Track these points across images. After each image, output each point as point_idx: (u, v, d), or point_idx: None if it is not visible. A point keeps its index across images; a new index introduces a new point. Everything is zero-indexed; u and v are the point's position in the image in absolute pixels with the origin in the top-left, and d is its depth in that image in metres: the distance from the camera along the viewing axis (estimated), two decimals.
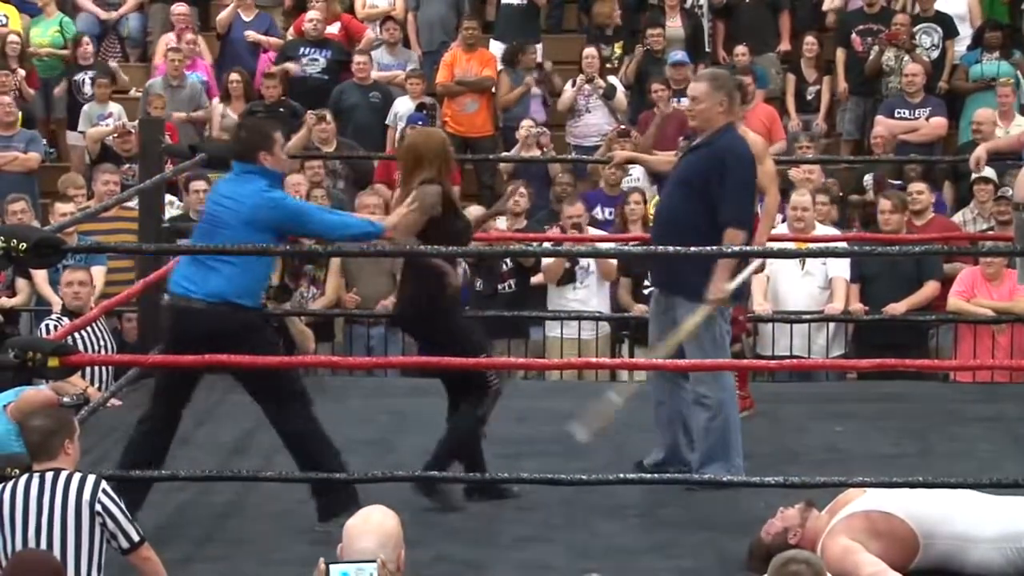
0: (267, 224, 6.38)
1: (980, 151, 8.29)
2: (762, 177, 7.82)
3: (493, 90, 13.33)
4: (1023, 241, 7.75)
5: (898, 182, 11.41)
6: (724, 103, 7.03)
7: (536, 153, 12.14)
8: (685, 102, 12.36)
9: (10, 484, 5.28)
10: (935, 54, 13.34)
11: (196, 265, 6.44)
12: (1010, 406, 8.11)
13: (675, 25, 13.57)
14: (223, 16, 14.02)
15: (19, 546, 5.17)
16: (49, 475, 5.28)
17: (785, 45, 13.93)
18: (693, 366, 6.79)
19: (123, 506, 5.31)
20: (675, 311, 6.96)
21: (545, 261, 10.27)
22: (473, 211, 8.30)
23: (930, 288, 9.86)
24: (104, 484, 5.31)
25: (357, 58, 13.09)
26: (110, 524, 5.25)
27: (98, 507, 5.24)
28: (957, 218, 11.06)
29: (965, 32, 13.61)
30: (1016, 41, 13.58)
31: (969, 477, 6.37)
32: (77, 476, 5.29)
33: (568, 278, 10.29)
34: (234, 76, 13.23)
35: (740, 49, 13.33)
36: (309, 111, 12.31)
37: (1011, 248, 7.74)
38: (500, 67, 13.38)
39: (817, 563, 4.35)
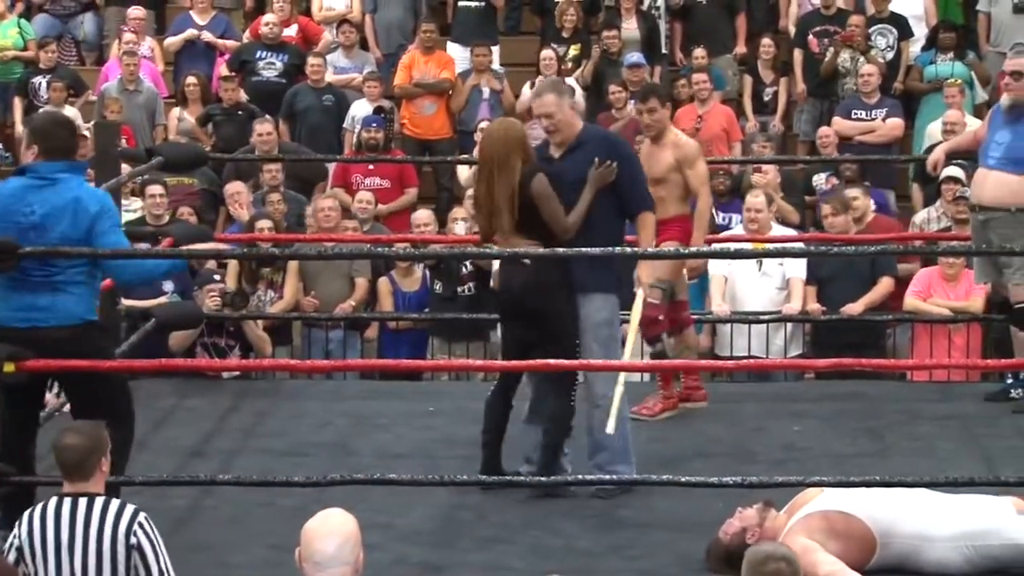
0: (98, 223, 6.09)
1: (938, 153, 8.33)
2: (694, 180, 7.88)
3: (451, 92, 13.34)
4: (979, 241, 7.80)
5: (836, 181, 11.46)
6: (573, 104, 7.17)
7: None
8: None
9: (39, 509, 5.02)
10: (890, 55, 13.40)
11: (38, 291, 6.05)
12: (966, 405, 8.15)
13: (631, 27, 13.59)
14: (172, 43, 13.98)
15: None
16: (83, 502, 4.99)
17: (741, 47, 13.97)
18: (651, 367, 6.80)
19: (155, 539, 5.03)
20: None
21: (494, 268, 10.25)
22: None
23: (885, 284, 9.91)
24: (141, 517, 5.01)
25: (311, 60, 13.07)
26: (139, 562, 4.97)
27: (133, 540, 4.97)
28: (921, 216, 11.09)
29: (922, 33, 13.70)
30: (970, 42, 13.66)
31: (926, 476, 6.40)
32: (114, 506, 5.01)
33: None
34: (190, 79, 13.20)
35: (699, 52, 13.37)
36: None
37: (968, 248, 7.78)
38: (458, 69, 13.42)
39: (795, 561, 4.34)
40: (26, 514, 5.04)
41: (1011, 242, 7.51)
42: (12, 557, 4.98)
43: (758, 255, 9.59)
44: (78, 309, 6.12)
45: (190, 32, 13.93)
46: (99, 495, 5.04)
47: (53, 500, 5.02)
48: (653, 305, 7.72)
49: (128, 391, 6.31)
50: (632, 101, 12.58)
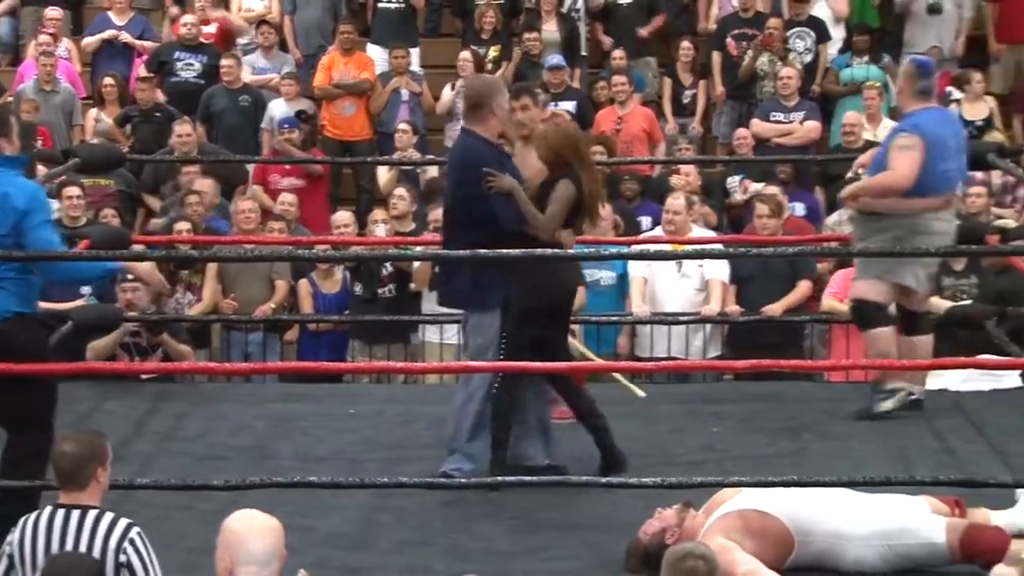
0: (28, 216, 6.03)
1: (866, 157, 8.38)
2: None
3: (370, 93, 13.34)
4: (859, 240, 7.94)
5: (761, 184, 11.55)
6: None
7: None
8: (564, 106, 12.60)
9: (32, 517, 4.89)
10: (808, 58, 13.51)
11: None
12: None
13: (551, 29, 13.63)
14: (89, 43, 13.87)
15: None
16: (76, 514, 4.84)
17: (650, 27, 14.02)
18: (564, 368, 6.82)
19: (147, 556, 4.84)
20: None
21: (415, 266, 10.27)
22: None
23: (803, 287, 10.00)
24: (134, 532, 4.83)
25: (224, 62, 13.04)
26: None
27: (123, 558, 4.81)
28: (832, 218, 11.20)
29: (839, 35, 13.83)
30: (886, 44, 13.79)
31: (842, 475, 6.45)
32: (107, 520, 4.84)
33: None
34: (108, 80, 13.12)
35: (617, 53, 13.44)
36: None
37: (881, 249, 7.84)
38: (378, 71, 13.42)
39: (713, 559, 4.38)
40: (20, 522, 4.91)
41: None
42: (4, 564, 4.87)
43: (676, 256, 9.63)
44: (8, 303, 6.06)
45: (108, 32, 13.83)
46: (93, 507, 4.90)
47: (48, 509, 4.90)
48: None
49: (55, 396, 6.24)
50: (553, 103, 12.63)
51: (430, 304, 10.32)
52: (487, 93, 7.09)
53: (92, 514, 4.86)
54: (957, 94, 12.98)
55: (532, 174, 7.35)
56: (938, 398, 8.11)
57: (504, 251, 6.47)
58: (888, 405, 7.92)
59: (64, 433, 5.16)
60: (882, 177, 7.79)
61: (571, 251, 6.98)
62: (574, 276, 7.39)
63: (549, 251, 6.75)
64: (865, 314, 7.95)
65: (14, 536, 4.89)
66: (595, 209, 7.16)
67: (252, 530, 4.26)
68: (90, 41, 13.92)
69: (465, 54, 13.17)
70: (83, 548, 4.79)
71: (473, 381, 7.06)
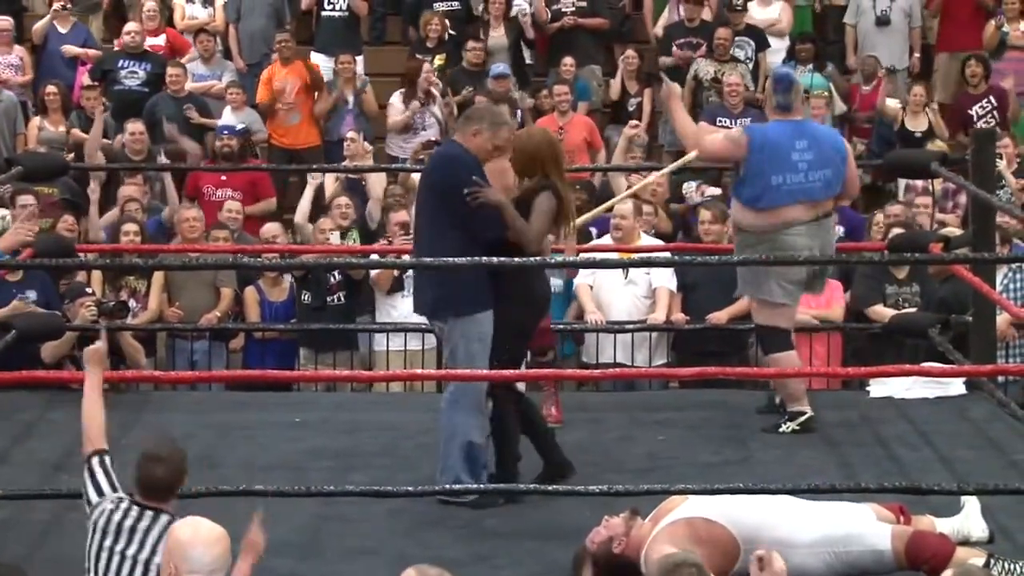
0: None
1: None
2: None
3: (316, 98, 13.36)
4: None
5: (717, 190, 11.58)
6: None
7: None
8: None
9: (123, 505, 5.11)
10: (750, 66, 13.59)
11: None
12: (827, 412, 8.23)
13: (499, 35, 13.63)
14: (38, 27, 13.81)
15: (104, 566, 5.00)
16: (148, 514, 5.10)
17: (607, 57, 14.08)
18: (518, 376, 6.81)
19: None
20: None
21: (374, 272, 10.26)
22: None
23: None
24: None
25: (170, 71, 13.04)
26: None
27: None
28: None
29: (783, 45, 13.93)
30: (830, 54, 13.90)
31: (788, 483, 6.49)
32: (163, 520, 5.07)
33: (397, 286, 10.28)
34: (51, 89, 13.05)
35: (567, 60, 13.44)
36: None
37: (828, 257, 7.89)
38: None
39: (704, 569, 4.39)
40: (112, 498, 5.10)
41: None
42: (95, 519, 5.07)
43: (623, 265, 9.66)
44: None
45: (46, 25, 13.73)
46: (166, 512, 5.07)
47: (127, 501, 5.09)
48: None
49: None
50: None
51: (383, 309, 10.33)
52: (476, 117, 7.08)
53: (163, 519, 5.03)
54: (892, 102, 13.15)
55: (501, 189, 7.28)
56: (883, 406, 8.15)
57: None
58: (788, 428, 7.94)
59: (152, 450, 5.29)
60: (687, 128, 8.06)
61: (519, 259, 6.87)
62: (548, 290, 7.34)
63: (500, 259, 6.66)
64: (763, 340, 8.05)
65: (104, 507, 5.07)
66: (571, 219, 7.13)
67: (198, 539, 4.26)
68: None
69: (425, 66, 13.15)
70: (146, 548, 4.95)
71: (461, 390, 6.90)
